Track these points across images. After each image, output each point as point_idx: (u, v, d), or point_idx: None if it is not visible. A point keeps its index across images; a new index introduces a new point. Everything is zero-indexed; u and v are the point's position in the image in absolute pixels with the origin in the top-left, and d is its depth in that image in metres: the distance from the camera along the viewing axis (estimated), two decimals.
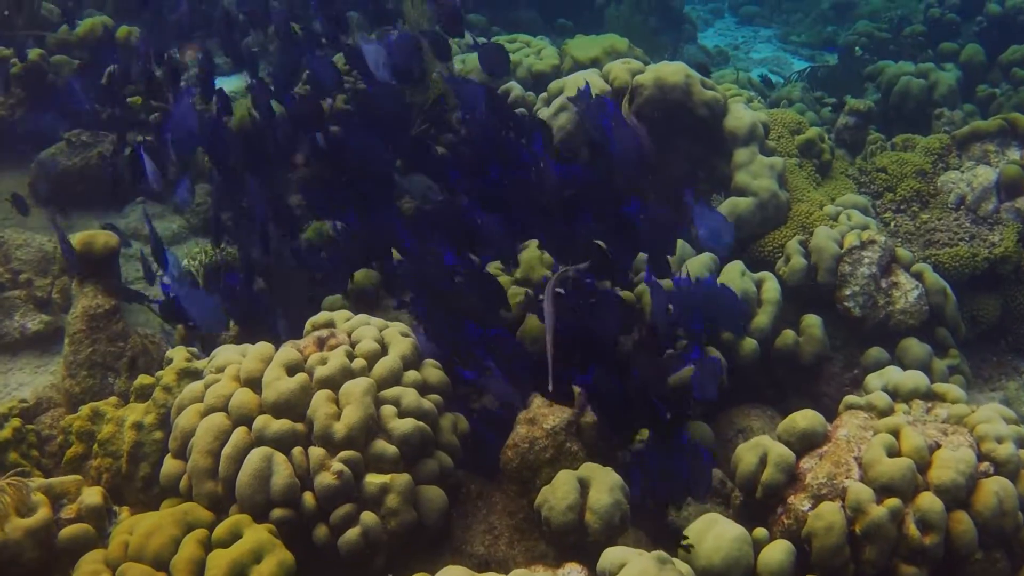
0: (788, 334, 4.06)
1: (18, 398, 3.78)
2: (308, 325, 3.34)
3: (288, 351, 3.06)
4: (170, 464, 3.02)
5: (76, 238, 3.79)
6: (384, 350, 3.16)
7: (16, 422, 3.36)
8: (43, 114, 5.39)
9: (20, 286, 4.49)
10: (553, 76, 5.78)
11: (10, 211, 5.37)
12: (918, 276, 4.27)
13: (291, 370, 3.01)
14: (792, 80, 7.83)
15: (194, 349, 3.44)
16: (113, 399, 3.42)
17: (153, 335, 3.98)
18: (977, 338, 4.69)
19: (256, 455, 2.84)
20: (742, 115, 4.55)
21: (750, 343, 3.94)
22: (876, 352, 4.11)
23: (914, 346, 4.11)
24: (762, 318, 4.03)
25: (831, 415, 4.05)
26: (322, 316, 3.34)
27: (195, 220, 5.34)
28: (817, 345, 4.07)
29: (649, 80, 4.49)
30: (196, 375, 3.27)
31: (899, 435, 3.10)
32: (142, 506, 3.12)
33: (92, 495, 2.98)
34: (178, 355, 3.35)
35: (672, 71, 4.50)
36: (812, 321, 4.10)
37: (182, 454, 3.00)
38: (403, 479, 2.90)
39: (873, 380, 3.70)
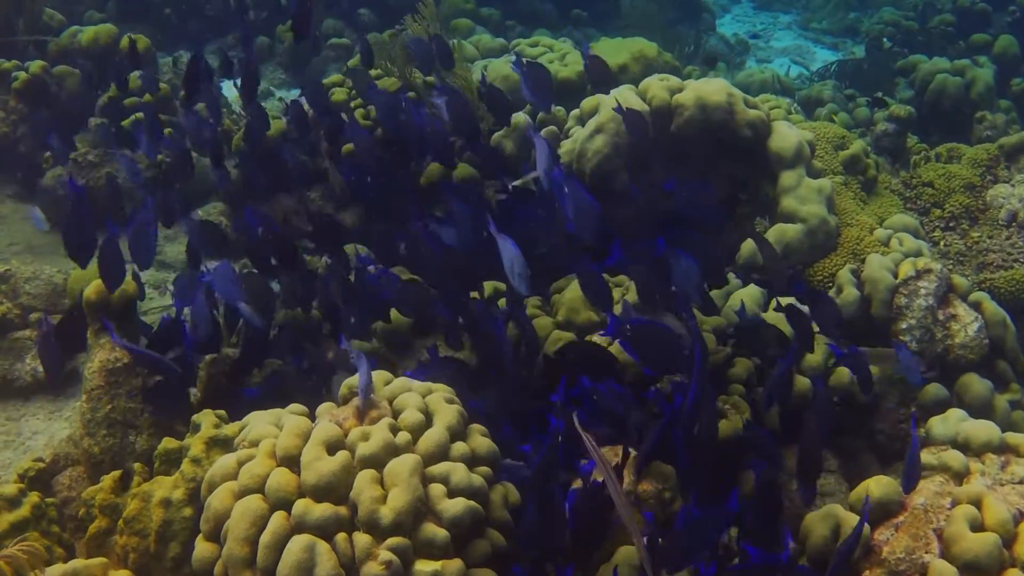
0: (843, 372, 3.85)
1: (33, 457, 3.60)
2: (344, 388, 3.13)
3: (327, 427, 2.84)
4: (203, 548, 2.80)
5: (91, 287, 3.58)
6: (429, 420, 2.95)
7: (35, 498, 3.16)
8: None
9: (31, 326, 4.28)
10: (580, 84, 5.54)
11: (16, 235, 5.18)
12: (976, 306, 4.05)
13: (331, 448, 2.80)
14: (818, 75, 7.60)
15: (222, 412, 3.22)
16: (137, 466, 3.21)
17: None
18: None
19: (297, 544, 2.63)
20: (787, 135, 4.32)
21: (804, 382, 3.74)
22: (935, 389, 3.89)
23: (975, 383, 3.90)
24: (816, 355, 3.82)
25: (886, 452, 3.90)
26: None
27: None
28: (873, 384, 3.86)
29: (690, 100, 4.25)
30: (226, 443, 3.06)
31: (981, 505, 2.90)
32: None
33: None
34: (205, 420, 3.14)
35: (714, 90, 4.27)
36: None
37: (215, 537, 2.80)
38: (455, 566, 2.69)
39: (937, 426, 3.50)
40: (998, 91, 6.57)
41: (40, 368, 4.16)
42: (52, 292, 4.46)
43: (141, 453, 3.45)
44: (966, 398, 3.89)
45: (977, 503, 2.91)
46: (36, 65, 5.66)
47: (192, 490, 2.97)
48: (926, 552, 2.85)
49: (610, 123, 4.26)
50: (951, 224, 4.77)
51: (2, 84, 5.63)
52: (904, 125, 5.51)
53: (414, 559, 2.69)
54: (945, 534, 2.84)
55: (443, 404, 3.00)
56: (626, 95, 4.36)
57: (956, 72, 6.32)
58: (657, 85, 4.38)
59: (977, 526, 2.85)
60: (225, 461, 2.90)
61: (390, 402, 3.00)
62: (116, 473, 3.17)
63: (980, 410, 3.78)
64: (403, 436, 2.85)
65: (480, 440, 2.99)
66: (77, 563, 2.88)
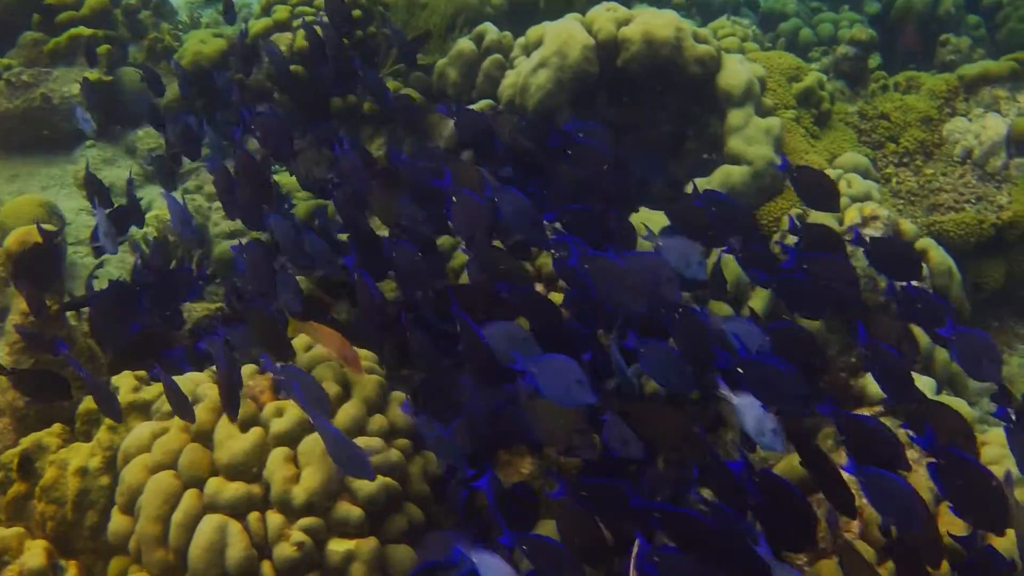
0: None
1: None
2: None
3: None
4: (118, 520, 2.78)
5: (11, 236, 3.49)
6: (346, 392, 2.90)
7: None
8: None
9: None
10: (534, 2, 5.33)
11: None
12: (923, 254, 3.99)
13: (244, 424, 2.76)
14: None
15: (142, 373, 3.15)
16: (57, 427, 3.15)
17: None
18: (979, 304, 4.43)
19: (209, 525, 2.61)
20: (737, 72, 4.18)
21: None
22: None
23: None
24: (755, 302, 3.78)
25: None
26: None
27: (152, 167, 4.93)
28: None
29: (637, 35, 4.10)
30: (145, 408, 3.01)
31: None
32: (91, 554, 2.90)
33: (35, 556, 2.78)
34: (124, 384, 3.08)
35: (662, 24, 4.11)
36: None
37: (130, 509, 2.77)
38: (369, 545, 2.67)
39: (872, 385, 3.49)
40: (968, 6, 6.38)
41: None
42: None
43: (67, 407, 3.39)
44: None
45: None
46: None
47: (109, 459, 2.93)
48: (847, 532, 2.85)
49: (553, 57, 4.11)
50: (905, 160, 4.67)
51: None
52: (866, 49, 5.36)
53: (328, 538, 2.67)
54: (866, 513, 2.84)
55: (362, 375, 2.95)
56: (572, 27, 4.20)
57: None
58: (604, 16, 4.22)
59: None
60: (140, 432, 2.85)
61: (309, 371, 2.94)
62: (36, 435, 3.11)
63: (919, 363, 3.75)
64: None
65: (400, 411, 2.94)
66: None
